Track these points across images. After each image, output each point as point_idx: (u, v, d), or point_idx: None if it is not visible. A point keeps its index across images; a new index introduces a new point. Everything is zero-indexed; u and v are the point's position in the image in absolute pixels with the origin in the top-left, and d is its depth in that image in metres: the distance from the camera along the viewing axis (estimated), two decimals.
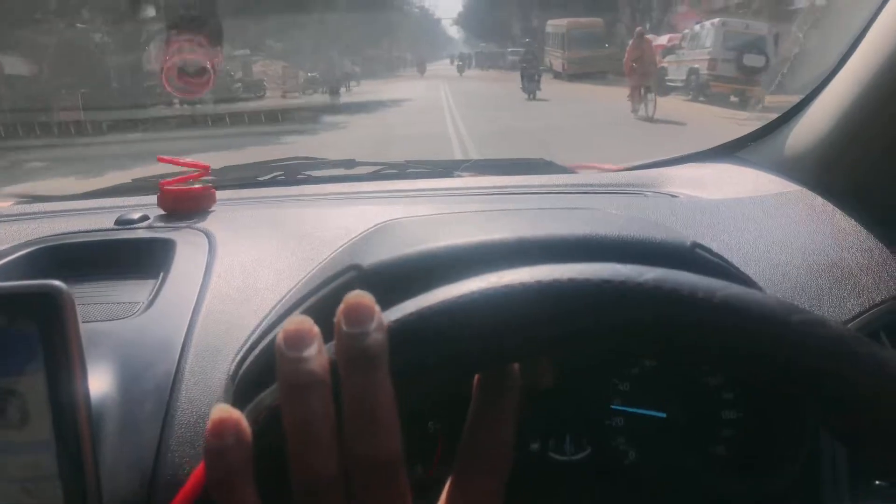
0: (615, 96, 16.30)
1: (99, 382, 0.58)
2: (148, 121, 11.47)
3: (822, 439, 0.63)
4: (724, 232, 0.81)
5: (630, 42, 13.90)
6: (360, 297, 0.35)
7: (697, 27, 16.37)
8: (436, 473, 0.63)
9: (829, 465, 0.63)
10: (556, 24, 27.52)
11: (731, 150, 1.17)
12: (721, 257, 0.62)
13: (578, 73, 24.19)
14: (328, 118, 14.19)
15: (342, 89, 21.17)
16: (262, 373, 0.60)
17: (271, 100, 18.27)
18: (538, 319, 0.36)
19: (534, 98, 17.42)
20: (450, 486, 0.42)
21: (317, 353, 0.34)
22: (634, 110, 12.52)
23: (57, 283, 0.49)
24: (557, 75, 27.36)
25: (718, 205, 0.91)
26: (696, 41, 15.83)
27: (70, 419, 0.49)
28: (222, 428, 0.33)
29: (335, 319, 0.35)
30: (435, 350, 0.36)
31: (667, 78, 16.27)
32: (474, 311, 0.36)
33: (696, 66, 15.30)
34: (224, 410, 0.34)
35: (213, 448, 0.33)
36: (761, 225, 0.84)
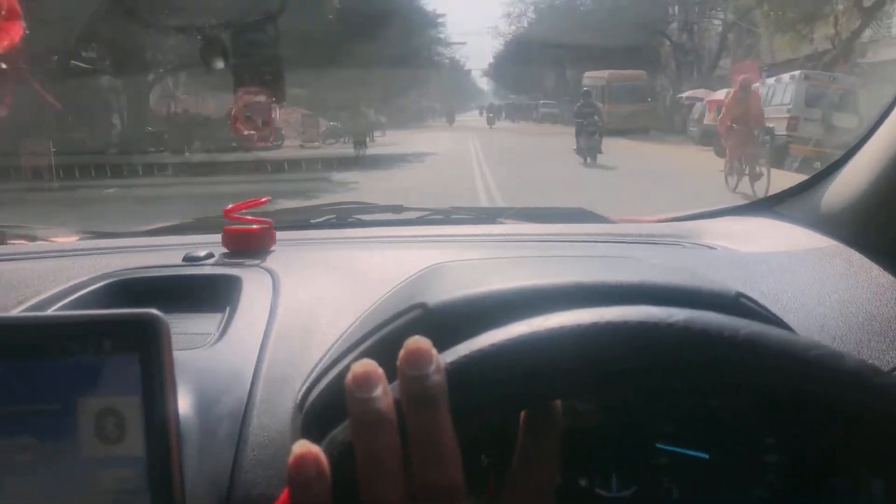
0: (671, 157, 14.76)
1: (180, 406, 0.63)
2: (151, 166, 11.43)
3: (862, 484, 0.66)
4: (762, 284, 0.84)
5: (728, 94, 11.11)
6: (419, 342, 0.39)
7: (772, 81, 14.37)
8: None
9: None
10: (594, 76, 25.66)
11: (768, 205, 1.21)
12: (764, 307, 0.65)
13: (619, 129, 21.08)
14: (344, 174, 12.33)
15: (367, 139, 18.71)
16: (327, 404, 0.65)
17: (289, 149, 16.85)
18: (580, 360, 0.40)
19: (593, 162, 13.96)
20: None
21: (383, 394, 0.38)
22: (730, 181, 9.55)
23: (156, 312, 0.54)
24: None
25: (756, 258, 0.94)
26: (771, 97, 13.63)
27: (162, 438, 0.53)
28: (304, 462, 0.38)
29: (398, 363, 0.39)
30: (485, 391, 0.40)
31: None
32: (519, 354, 0.40)
33: (771, 125, 12.36)
34: (305, 446, 0.38)
35: (297, 480, 0.37)
36: (799, 278, 0.87)
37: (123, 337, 0.53)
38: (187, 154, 13.24)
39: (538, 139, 22.37)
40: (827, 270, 0.89)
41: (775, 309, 0.77)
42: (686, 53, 27.52)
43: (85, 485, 0.54)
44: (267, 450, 0.62)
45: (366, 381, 0.39)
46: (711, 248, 1.06)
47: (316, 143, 19.91)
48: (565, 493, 0.67)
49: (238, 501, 0.59)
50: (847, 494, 0.62)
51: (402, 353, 0.39)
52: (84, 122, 13.63)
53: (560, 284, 0.62)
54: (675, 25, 27.71)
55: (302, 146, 18.86)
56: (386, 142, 21.80)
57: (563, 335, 0.41)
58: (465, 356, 0.41)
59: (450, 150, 18.69)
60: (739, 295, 0.63)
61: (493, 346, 0.41)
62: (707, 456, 0.68)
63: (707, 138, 14.72)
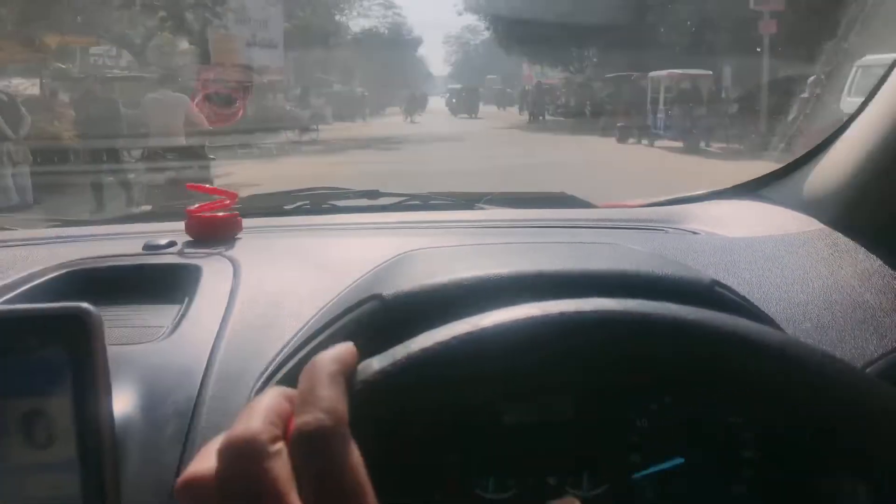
0: None
1: (122, 405, 0.59)
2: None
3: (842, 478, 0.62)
4: (745, 270, 0.81)
5: None
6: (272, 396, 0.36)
7: None
8: None
9: None
10: None
11: (754, 188, 1.17)
12: (740, 296, 0.62)
13: None
14: None
15: None
16: None
17: None
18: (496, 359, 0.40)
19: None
20: None
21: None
22: None
23: (86, 305, 0.50)
24: None
25: (739, 242, 0.91)
26: None
27: (95, 441, 0.50)
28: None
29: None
30: (416, 398, 0.40)
31: None
32: (455, 357, 0.39)
33: None
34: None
35: None
36: (782, 263, 0.83)
37: (50, 333, 0.50)
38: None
39: None
40: (811, 255, 0.86)
41: (756, 296, 0.74)
42: None
43: (13, 491, 0.50)
44: None
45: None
46: (695, 233, 1.03)
47: None
48: (534, 492, 0.63)
49: None
50: (829, 495, 0.59)
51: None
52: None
53: (520, 274, 0.59)
54: None
55: None
56: None
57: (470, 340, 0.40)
58: (394, 362, 0.40)
59: None
60: (714, 283, 0.59)
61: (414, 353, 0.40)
62: (682, 460, 0.64)
63: None
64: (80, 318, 0.49)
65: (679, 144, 13.89)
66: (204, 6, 12.76)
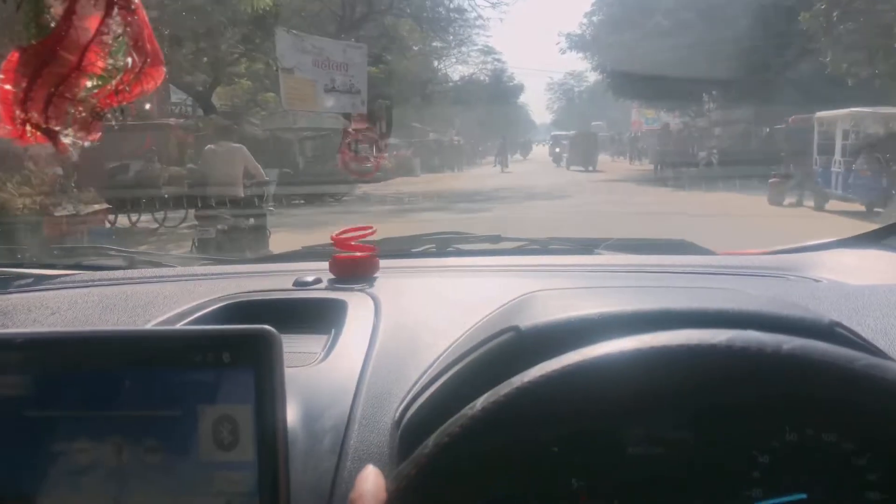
0: None
1: (287, 417, 0.68)
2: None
3: None
4: (869, 316, 0.81)
5: None
6: None
7: None
8: None
9: None
10: None
11: (879, 237, 1.16)
12: (862, 338, 0.64)
13: None
14: None
15: None
16: (422, 421, 0.68)
17: None
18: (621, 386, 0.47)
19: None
20: None
21: None
22: None
23: (269, 328, 0.58)
24: None
25: (863, 290, 0.91)
26: None
27: (272, 445, 0.58)
28: None
29: None
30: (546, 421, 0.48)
31: None
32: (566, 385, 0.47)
33: None
34: None
35: None
36: None
37: (240, 350, 0.58)
38: None
39: None
40: None
41: (882, 342, 0.74)
42: None
43: (201, 486, 0.59)
44: (366, 462, 0.66)
45: None
46: (816, 280, 1.04)
47: None
48: None
49: None
50: None
51: None
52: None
53: (646, 311, 0.63)
54: None
55: None
56: None
57: (607, 363, 0.48)
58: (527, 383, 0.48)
59: None
60: (834, 324, 0.61)
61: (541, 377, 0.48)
62: (805, 496, 0.66)
63: None
64: (266, 339, 0.58)
65: (859, 208, 10.51)
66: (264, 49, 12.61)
